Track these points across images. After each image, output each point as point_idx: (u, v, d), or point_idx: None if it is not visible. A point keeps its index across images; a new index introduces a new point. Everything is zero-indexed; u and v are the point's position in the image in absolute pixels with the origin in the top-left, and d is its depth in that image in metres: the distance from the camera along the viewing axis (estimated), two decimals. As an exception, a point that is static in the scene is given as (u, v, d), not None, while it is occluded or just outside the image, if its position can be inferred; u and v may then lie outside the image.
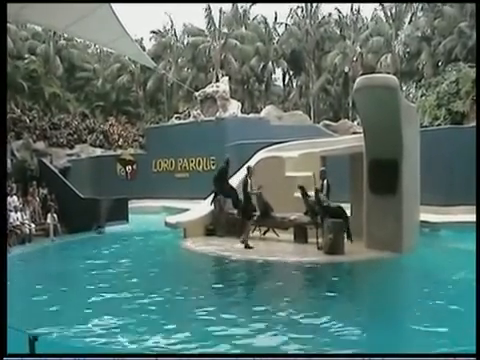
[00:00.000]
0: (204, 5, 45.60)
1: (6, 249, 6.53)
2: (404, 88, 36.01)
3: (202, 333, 6.03)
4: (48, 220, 15.79)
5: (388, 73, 28.80)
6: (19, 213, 15.25)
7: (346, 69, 44.35)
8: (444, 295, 7.66)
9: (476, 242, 6.95)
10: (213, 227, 14.07)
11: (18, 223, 14.81)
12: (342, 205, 11.59)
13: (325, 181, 11.94)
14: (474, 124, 21.16)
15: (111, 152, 30.27)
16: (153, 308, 7.22)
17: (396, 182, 10.92)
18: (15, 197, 16.04)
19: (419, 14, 40.62)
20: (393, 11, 42.49)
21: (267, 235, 13.17)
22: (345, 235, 11.24)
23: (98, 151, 30.19)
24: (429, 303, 7.34)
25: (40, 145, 26.50)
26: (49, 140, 28.90)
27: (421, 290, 8.37)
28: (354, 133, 19.68)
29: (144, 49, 41.18)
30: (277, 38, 49.80)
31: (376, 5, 44.36)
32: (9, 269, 10.40)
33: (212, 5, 45.83)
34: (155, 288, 8.40)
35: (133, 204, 19.94)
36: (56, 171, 19.51)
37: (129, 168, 27.58)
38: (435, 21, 37.52)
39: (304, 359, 3.54)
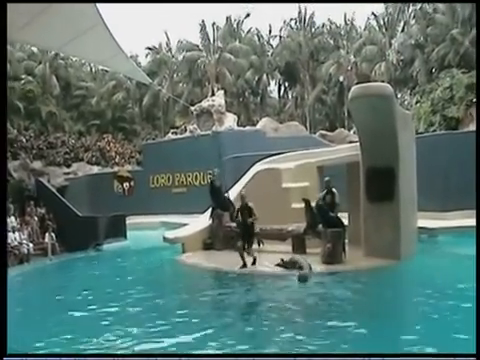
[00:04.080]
0: (198, 20, 46.01)
1: (6, 249, 6.50)
2: (399, 96, 36.15)
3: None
4: (46, 239, 15.73)
5: (382, 81, 28.98)
6: (17, 233, 15.19)
7: (341, 79, 44.61)
8: (444, 303, 7.61)
9: (476, 243, 6.92)
10: (211, 241, 14.01)
11: (16, 243, 14.74)
12: (339, 214, 11.57)
13: (328, 190, 11.78)
14: (469, 129, 21.28)
15: (108, 169, 30.25)
16: (155, 328, 7.16)
17: (393, 189, 10.92)
18: (13, 217, 16.00)
19: (411, 22, 40.92)
20: (386, 20, 42.85)
21: (265, 247, 13.06)
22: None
23: (95, 169, 30.19)
24: (429, 311, 7.30)
25: (37, 164, 26.51)
26: (46, 159, 28.89)
27: (420, 298, 8.32)
28: (350, 142, 19.68)
29: (139, 65, 41.37)
30: (271, 51, 50.12)
31: (369, 14, 44.81)
32: (9, 289, 10.38)
33: (206, 20, 46.24)
34: (154, 305, 8.36)
35: (131, 220, 19.90)
36: (53, 190, 19.48)
37: (126, 185, 27.57)
38: (428, 29, 37.81)
39: (304, 359, 3.51)
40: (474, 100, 23.15)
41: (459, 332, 6.06)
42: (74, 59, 44.62)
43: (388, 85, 11.72)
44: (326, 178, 11.99)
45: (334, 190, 11.60)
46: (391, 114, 10.68)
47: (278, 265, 10.72)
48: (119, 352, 5.86)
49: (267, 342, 6.18)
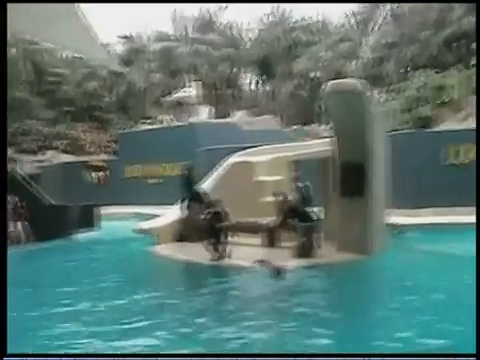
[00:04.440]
0: (175, 11, 45.66)
1: (6, 249, 6.47)
2: (372, 93, 36.61)
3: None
4: (18, 227, 15.57)
5: (357, 78, 29.31)
6: (-13, 221, 14.96)
7: (316, 74, 44.92)
8: (409, 297, 7.89)
9: (476, 242, 7.16)
10: (185, 233, 14.07)
11: (-14, 231, 14.53)
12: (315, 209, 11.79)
13: (301, 184, 11.96)
14: (439, 128, 21.83)
15: (82, 158, 29.92)
16: (121, 315, 7.21)
17: (363, 185, 11.16)
18: (-17, 205, 15.75)
19: (386, 21, 41.41)
20: (361, 18, 43.32)
21: (239, 240, 13.17)
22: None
23: (69, 157, 29.81)
24: (394, 304, 7.55)
25: (8, 152, 25.99)
26: (18, 146, 28.40)
27: (386, 291, 8.60)
28: (323, 137, 19.95)
29: (114, 54, 40.85)
30: (247, 44, 50.14)
31: (345, 11, 45.17)
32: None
33: (183, 10, 45.92)
34: (122, 295, 8.40)
35: (105, 210, 19.78)
36: (26, 178, 19.21)
37: (101, 174, 27.35)
38: (401, 28, 38.35)
39: (304, 359, 3.63)
40: (445, 100, 23.73)
41: (422, 323, 6.37)
42: (48, 45, 43.75)
43: (362, 82, 11.93)
44: (298, 172, 12.18)
45: (308, 184, 11.82)
46: (364, 111, 10.90)
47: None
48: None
49: (237, 331, 6.32)
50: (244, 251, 11.75)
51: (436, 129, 22.27)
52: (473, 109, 22.94)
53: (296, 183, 12.40)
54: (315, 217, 11.63)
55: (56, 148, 30.11)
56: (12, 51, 41.50)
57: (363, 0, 42.77)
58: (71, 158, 29.67)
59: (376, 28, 41.38)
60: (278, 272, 9.38)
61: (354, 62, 41.06)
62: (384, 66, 39.26)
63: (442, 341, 5.35)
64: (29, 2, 10.51)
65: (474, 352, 3.59)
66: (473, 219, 14.03)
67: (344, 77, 31.00)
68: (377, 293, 8.90)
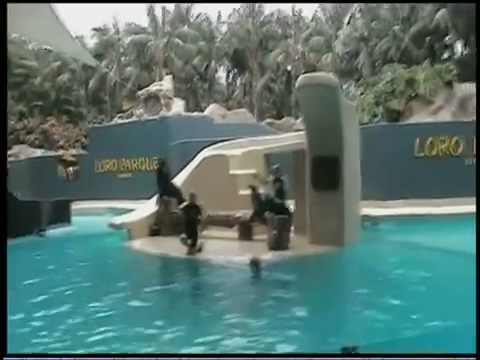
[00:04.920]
0: (147, 4, 45.17)
1: (6, 249, 6.27)
2: (344, 87, 36.98)
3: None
4: (-15, 224, 15.19)
5: (329, 72, 29.55)
6: (-47, 218, 14.58)
7: (288, 68, 45.14)
8: (379, 287, 7.99)
9: (476, 241, 7.24)
10: (158, 227, 13.97)
11: (-48, 228, 14.16)
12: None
13: (277, 178, 11.92)
14: (409, 121, 22.23)
15: (52, 153, 29.40)
16: (98, 313, 7.09)
17: (337, 178, 11.23)
18: None
19: (357, 16, 41.86)
20: (333, 12, 43.65)
21: (212, 233, 13.14)
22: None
23: (38, 152, 29.27)
24: (365, 295, 7.63)
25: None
26: (-16, 141, 27.76)
27: (359, 283, 8.69)
28: (297, 131, 20.02)
29: (86, 47, 40.25)
30: (220, 37, 50.00)
31: (316, 6, 45.42)
32: None
33: (155, 4, 45.47)
34: (96, 291, 8.29)
35: (76, 206, 19.48)
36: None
37: (71, 169, 26.93)
38: (372, 23, 38.82)
39: (304, 359, 3.61)
40: (413, 94, 24.15)
41: (399, 314, 6.44)
42: (14, 35, 42.80)
43: (334, 76, 11.99)
44: (275, 165, 12.13)
45: (283, 177, 11.81)
46: (336, 104, 10.95)
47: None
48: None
49: (211, 326, 6.28)
50: (217, 244, 11.73)
51: (406, 122, 22.64)
52: (444, 102, 23.42)
53: (271, 176, 12.39)
54: (289, 210, 11.68)
55: (23, 142, 29.46)
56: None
57: (364, 0, 43.16)
58: (39, 153, 29.08)
59: (347, 22, 41.78)
60: (256, 264, 9.38)
61: (325, 56, 41.36)
62: (356, 60, 39.73)
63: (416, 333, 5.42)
64: (29, 2, 10.23)
65: (474, 352, 3.61)
66: (445, 210, 14.34)
67: (317, 70, 31.35)
68: (353, 285, 8.99)
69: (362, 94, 28.67)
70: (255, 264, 9.38)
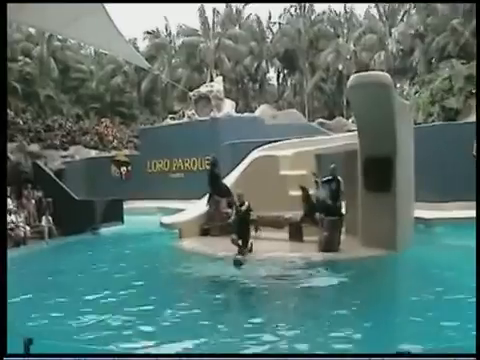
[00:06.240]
0: (198, 5, 45.66)
1: (6, 249, 6.46)
2: (398, 86, 36.08)
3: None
4: (43, 222, 15.73)
5: (382, 71, 28.90)
6: (14, 216, 15.19)
7: (340, 67, 44.49)
8: (437, 291, 7.68)
9: (476, 241, 6.93)
10: (208, 227, 14.04)
11: (13, 226, 14.75)
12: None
13: (333, 178, 11.76)
14: (467, 120, 21.31)
15: (106, 153, 30.17)
16: (147, 311, 7.18)
17: (390, 179, 10.93)
18: (9, 200, 15.99)
19: (412, 11, 40.74)
20: (386, 9, 42.63)
21: (262, 234, 13.07)
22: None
23: (92, 153, 30.08)
24: (424, 300, 7.35)
25: (34, 147, 26.41)
26: (43, 142, 28.75)
27: (415, 288, 8.39)
28: (349, 131, 19.69)
29: (138, 50, 41.11)
30: (271, 37, 49.88)
31: (370, 3, 44.51)
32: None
33: (206, 5, 45.91)
34: (148, 288, 8.39)
35: (128, 205, 19.90)
36: (50, 173, 19.44)
37: (124, 169, 27.54)
38: (428, 18, 37.64)
39: (304, 359, 3.54)
40: (473, 91, 23.17)
41: (451, 322, 6.14)
42: (72, 41, 44.27)
43: (387, 74, 11.67)
44: (332, 165, 11.97)
45: (339, 178, 11.65)
46: (390, 104, 10.65)
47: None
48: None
49: (263, 330, 6.23)
50: (268, 246, 11.66)
51: (463, 121, 21.79)
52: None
53: (322, 177, 12.22)
54: (341, 211, 11.50)
55: (79, 143, 30.36)
56: (37, 49, 42.10)
57: (373, 0, 42.24)
58: (94, 153, 29.89)
59: (401, 19, 40.69)
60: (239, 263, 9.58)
61: (378, 55, 40.45)
62: (410, 58, 38.65)
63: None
64: (29, 2, 10.51)
65: (474, 352, 3.47)
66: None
67: (370, 70, 30.70)
68: (405, 289, 8.71)
69: (417, 93, 27.88)
70: (238, 264, 9.58)
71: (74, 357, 3.76)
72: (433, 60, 37.02)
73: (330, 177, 11.73)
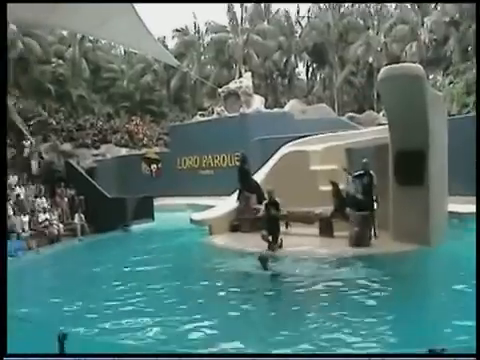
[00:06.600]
0: (226, 2, 45.63)
1: (6, 249, 6.56)
2: (430, 77, 35.25)
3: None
4: (76, 220, 16.01)
5: (414, 62, 28.31)
6: (47, 214, 15.50)
7: (370, 60, 43.77)
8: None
9: (476, 241, 6.74)
10: (238, 223, 14.04)
11: (47, 224, 15.06)
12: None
13: (366, 172, 11.65)
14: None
15: (136, 151, 30.49)
16: (182, 306, 7.22)
17: (423, 173, 10.70)
18: (44, 198, 16.33)
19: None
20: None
21: (292, 230, 12.98)
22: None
23: (123, 151, 30.43)
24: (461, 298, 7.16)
25: (67, 146, 26.86)
26: (75, 141, 29.23)
27: (448, 284, 8.18)
28: (379, 125, 19.38)
29: (167, 48, 41.37)
30: (299, 32, 49.47)
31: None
32: (40, 269, 10.67)
33: (234, 1, 45.82)
34: (180, 285, 8.44)
35: (158, 202, 20.06)
36: (83, 172, 19.77)
37: (154, 166, 27.78)
38: (464, 5, 36.52)
39: (304, 359, 3.50)
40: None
41: None
42: (103, 42, 44.86)
43: (419, 66, 11.42)
44: (364, 160, 11.86)
45: (372, 172, 11.52)
46: (422, 96, 10.41)
47: None
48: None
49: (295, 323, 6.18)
50: (299, 241, 11.58)
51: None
52: None
53: (353, 172, 12.08)
54: (372, 206, 11.33)
55: (110, 142, 30.74)
56: (70, 50, 42.87)
57: (375, 0, 41.39)
58: (124, 151, 30.22)
59: (433, 6, 39.57)
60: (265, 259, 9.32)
61: (409, 46, 39.56)
62: (444, 47, 37.66)
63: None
64: (29, 2, 10.65)
65: (474, 352, 3.37)
66: None
67: (401, 62, 30.08)
68: (437, 285, 8.51)
69: (451, 83, 27.20)
70: (263, 260, 9.29)
71: (74, 357, 3.78)
72: (469, 48, 35.96)
73: (362, 171, 11.63)
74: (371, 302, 7.04)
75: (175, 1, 42.82)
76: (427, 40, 38.97)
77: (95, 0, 11.49)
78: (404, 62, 28.80)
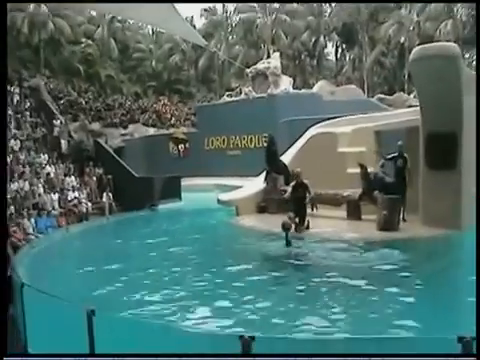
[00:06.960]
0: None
1: (6, 249, 6.64)
2: (466, 56, 34.20)
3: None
4: (104, 199, 16.23)
5: (448, 41, 27.54)
6: (76, 192, 15.76)
7: (402, 40, 42.74)
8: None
9: (476, 240, 6.58)
10: (265, 204, 14.02)
11: (75, 202, 15.31)
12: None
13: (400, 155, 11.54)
14: None
15: (164, 131, 30.58)
16: (207, 285, 7.26)
17: (455, 156, 10.48)
18: (73, 177, 16.59)
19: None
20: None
21: (319, 212, 12.89)
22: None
23: (151, 130, 30.52)
24: None
25: (95, 126, 27.05)
26: (104, 121, 29.44)
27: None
28: (410, 106, 18.98)
29: (195, 27, 41.21)
30: (328, 11, 48.63)
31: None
32: (69, 244, 10.87)
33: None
34: (207, 265, 8.50)
35: (186, 182, 20.14)
36: (111, 151, 19.96)
37: (182, 146, 27.83)
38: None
39: (304, 359, 3.48)
40: None
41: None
42: (132, 22, 44.93)
43: (454, 44, 11.09)
44: (399, 142, 11.71)
45: (406, 155, 11.37)
46: (456, 76, 10.13)
47: None
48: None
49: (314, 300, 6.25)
50: (325, 223, 11.52)
51: None
52: None
53: (383, 154, 11.92)
54: (404, 190, 11.18)
55: (137, 121, 30.90)
56: (98, 30, 43.13)
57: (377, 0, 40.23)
58: (152, 131, 30.34)
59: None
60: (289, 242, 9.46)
61: (444, 24, 38.38)
62: None
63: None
64: (29, 2, 10.65)
65: (474, 352, 3.30)
66: None
67: (435, 41, 29.27)
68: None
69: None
70: (285, 228, 9.46)
71: (74, 357, 3.84)
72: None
73: (396, 154, 11.49)
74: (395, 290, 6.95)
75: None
76: (464, 17, 37.73)
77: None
78: (438, 41, 28.08)
